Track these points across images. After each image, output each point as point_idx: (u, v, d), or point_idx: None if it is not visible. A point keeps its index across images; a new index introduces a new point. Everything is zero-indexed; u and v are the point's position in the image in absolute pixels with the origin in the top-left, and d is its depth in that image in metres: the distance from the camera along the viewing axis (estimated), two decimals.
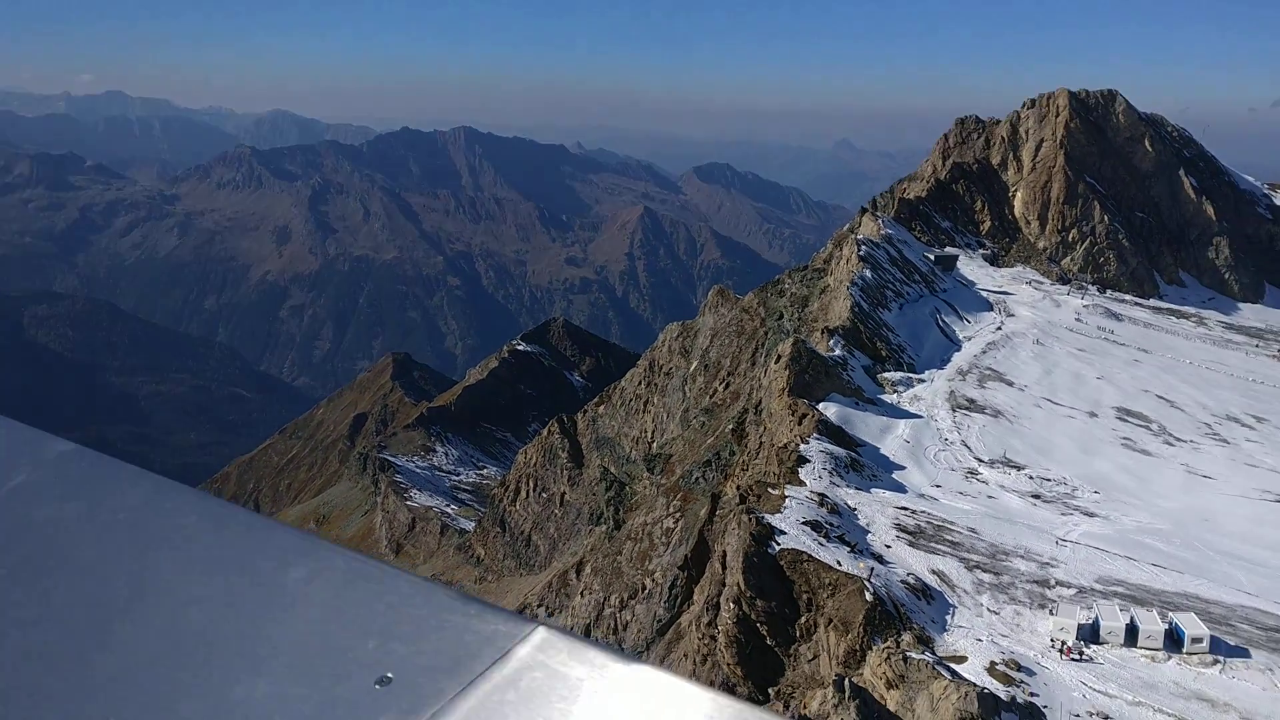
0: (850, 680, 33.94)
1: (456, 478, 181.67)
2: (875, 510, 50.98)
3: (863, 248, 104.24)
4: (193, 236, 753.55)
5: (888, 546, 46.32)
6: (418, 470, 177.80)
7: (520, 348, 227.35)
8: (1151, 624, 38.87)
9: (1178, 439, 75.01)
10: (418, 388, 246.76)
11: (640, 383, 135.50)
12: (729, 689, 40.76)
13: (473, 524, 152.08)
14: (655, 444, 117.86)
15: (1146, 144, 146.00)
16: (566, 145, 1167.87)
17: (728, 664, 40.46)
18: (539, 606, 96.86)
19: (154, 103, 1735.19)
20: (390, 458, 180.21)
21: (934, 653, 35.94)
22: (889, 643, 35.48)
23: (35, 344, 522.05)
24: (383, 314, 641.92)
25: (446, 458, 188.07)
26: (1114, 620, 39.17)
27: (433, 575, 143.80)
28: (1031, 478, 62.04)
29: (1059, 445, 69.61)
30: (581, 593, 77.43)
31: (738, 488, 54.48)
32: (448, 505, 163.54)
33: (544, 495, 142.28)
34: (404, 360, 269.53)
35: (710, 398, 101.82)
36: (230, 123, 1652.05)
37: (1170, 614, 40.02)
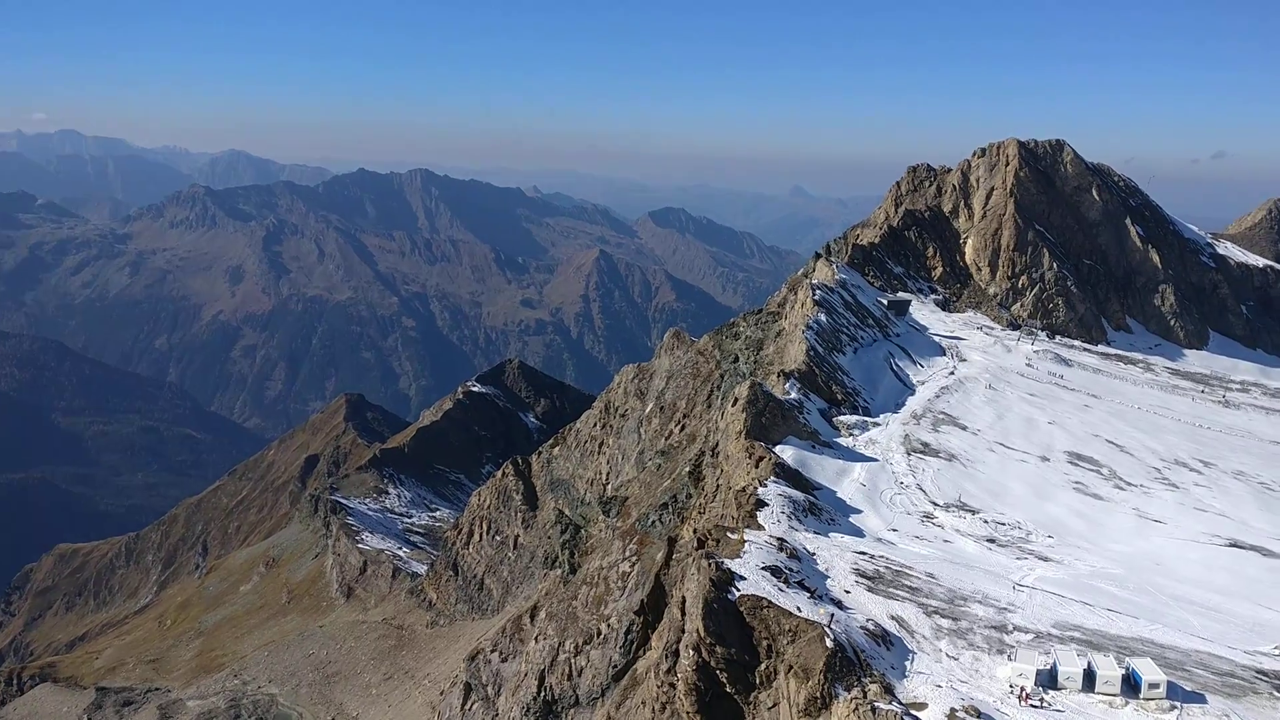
0: None
1: (409, 520, 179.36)
2: (834, 555, 50.84)
3: (817, 292, 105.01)
4: (144, 275, 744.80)
5: (847, 592, 46.13)
6: (370, 512, 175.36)
7: (475, 389, 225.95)
8: (1109, 669, 38.89)
9: (1128, 483, 75.82)
10: (371, 429, 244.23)
11: (595, 424, 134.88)
12: None
13: (425, 567, 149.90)
14: (610, 486, 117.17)
15: (1094, 193, 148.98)
16: (523, 189, 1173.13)
17: (687, 712, 39.91)
18: (492, 651, 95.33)
19: (109, 142, 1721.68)
20: (342, 500, 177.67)
21: (900, 701, 35.66)
22: (855, 693, 35.16)
23: None
24: (336, 355, 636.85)
25: (399, 500, 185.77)
26: (1071, 665, 39.15)
27: (384, 619, 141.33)
28: (986, 522, 62.30)
29: (1012, 489, 70.07)
30: (536, 638, 76.34)
31: (695, 531, 54.10)
32: (400, 548, 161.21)
33: (498, 538, 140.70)
34: (357, 401, 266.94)
35: (666, 440, 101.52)
36: (185, 162, 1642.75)
37: (1127, 659, 40.10)
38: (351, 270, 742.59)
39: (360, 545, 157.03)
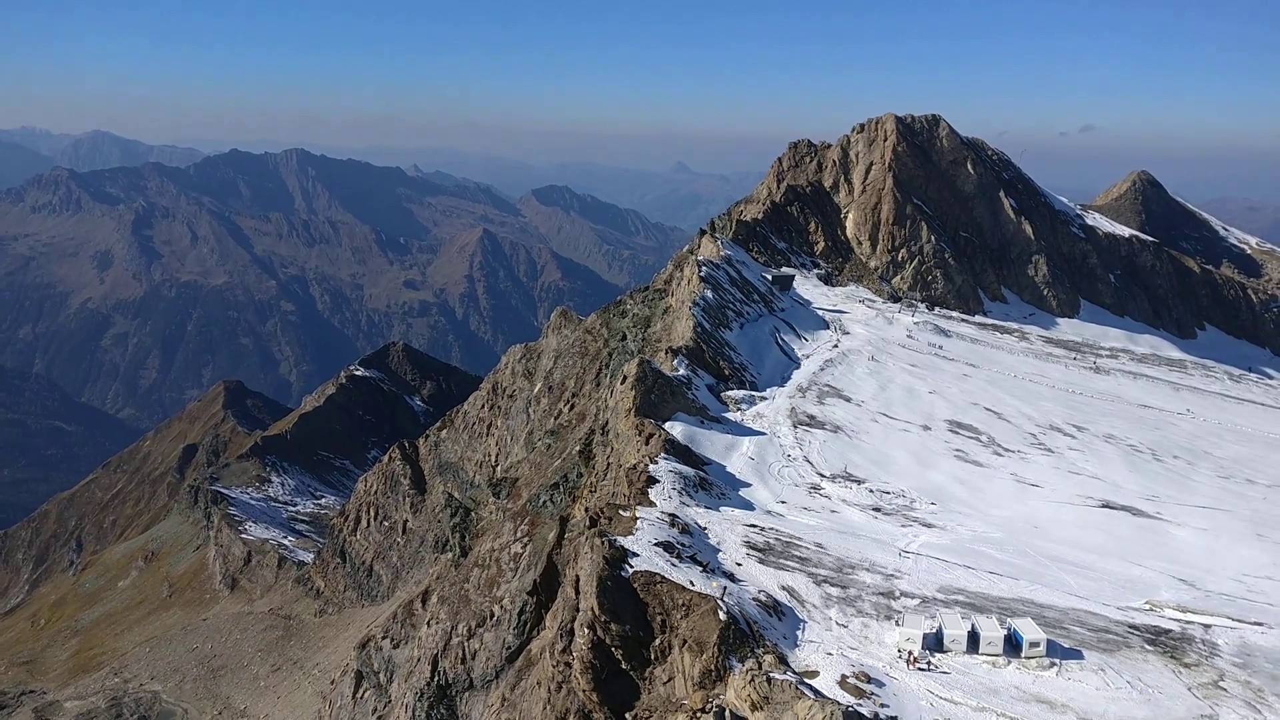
0: (729, 711, 33.71)
1: (294, 508, 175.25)
2: (725, 529, 51.18)
3: (703, 269, 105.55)
4: (5, 262, 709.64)
5: (739, 564, 46.49)
6: (253, 502, 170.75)
7: (358, 373, 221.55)
8: (992, 630, 40.03)
9: (1006, 449, 78.26)
10: (251, 417, 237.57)
11: (483, 406, 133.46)
12: (585, 716, 40.01)
13: (312, 555, 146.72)
14: (500, 468, 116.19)
15: (969, 167, 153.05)
16: (403, 168, 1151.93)
17: (583, 690, 39.73)
18: (384, 638, 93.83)
19: None
20: (223, 490, 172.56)
21: (795, 671, 36.06)
22: (750, 663, 35.41)
23: None
24: (213, 341, 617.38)
25: (283, 488, 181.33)
26: (956, 628, 40.19)
27: (270, 610, 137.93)
28: (872, 491, 63.54)
29: (896, 459, 71.62)
30: (429, 622, 75.36)
31: (587, 510, 53.88)
32: (285, 537, 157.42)
33: (386, 524, 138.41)
34: (236, 388, 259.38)
35: (555, 420, 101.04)
36: (46, 144, 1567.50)
37: (1009, 620, 41.35)
38: (227, 254, 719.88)
39: (244, 535, 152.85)
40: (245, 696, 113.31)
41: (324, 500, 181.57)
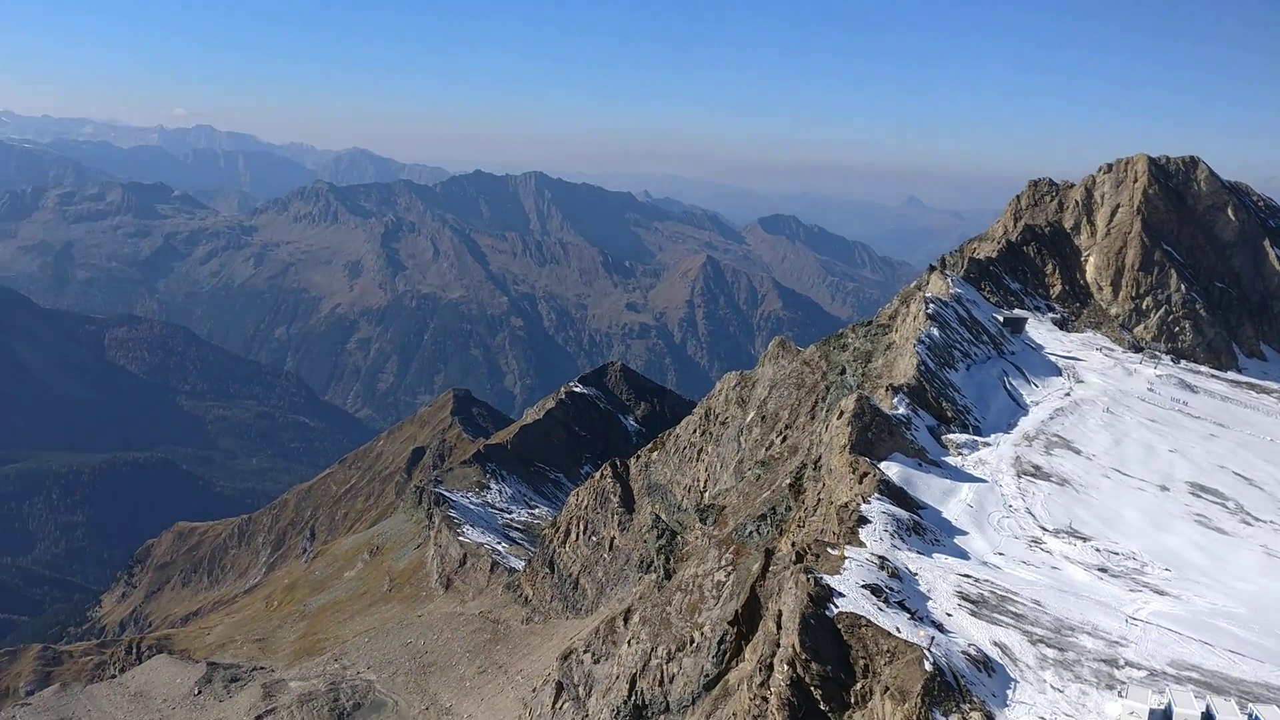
0: None
1: (509, 516, 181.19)
2: (936, 576, 49.34)
3: (931, 305, 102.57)
4: (268, 267, 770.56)
5: (949, 615, 44.69)
6: (471, 506, 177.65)
7: (577, 390, 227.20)
8: (1230, 714, 36.74)
9: (1256, 519, 72.07)
10: (476, 424, 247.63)
11: (695, 431, 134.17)
12: None
13: (522, 563, 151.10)
14: (708, 494, 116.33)
15: (1229, 213, 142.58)
16: (634, 193, 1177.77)
17: None
18: (585, 652, 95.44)
19: (240, 137, 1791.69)
20: (445, 492, 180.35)
21: None
22: (954, 718, 33.94)
23: (114, 365, 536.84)
24: (446, 351, 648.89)
25: (500, 495, 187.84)
26: (1189, 708, 37.09)
27: (480, 613, 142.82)
28: (1098, 550, 59.84)
29: (1128, 518, 67.20)
30: (629, 641, 76.10)
31: (794, 545, 53.13)
32: (499, 543, 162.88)
33: (594, 539, 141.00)
34: (464, 397, 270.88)
35: (766, 450, 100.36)
36: (311, 159, 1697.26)
37: (1250, 705, 37.88)
38: (464, 269, 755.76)
39: (461, 538, 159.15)
40: (452, 695, 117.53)
41: (537, 510, 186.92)
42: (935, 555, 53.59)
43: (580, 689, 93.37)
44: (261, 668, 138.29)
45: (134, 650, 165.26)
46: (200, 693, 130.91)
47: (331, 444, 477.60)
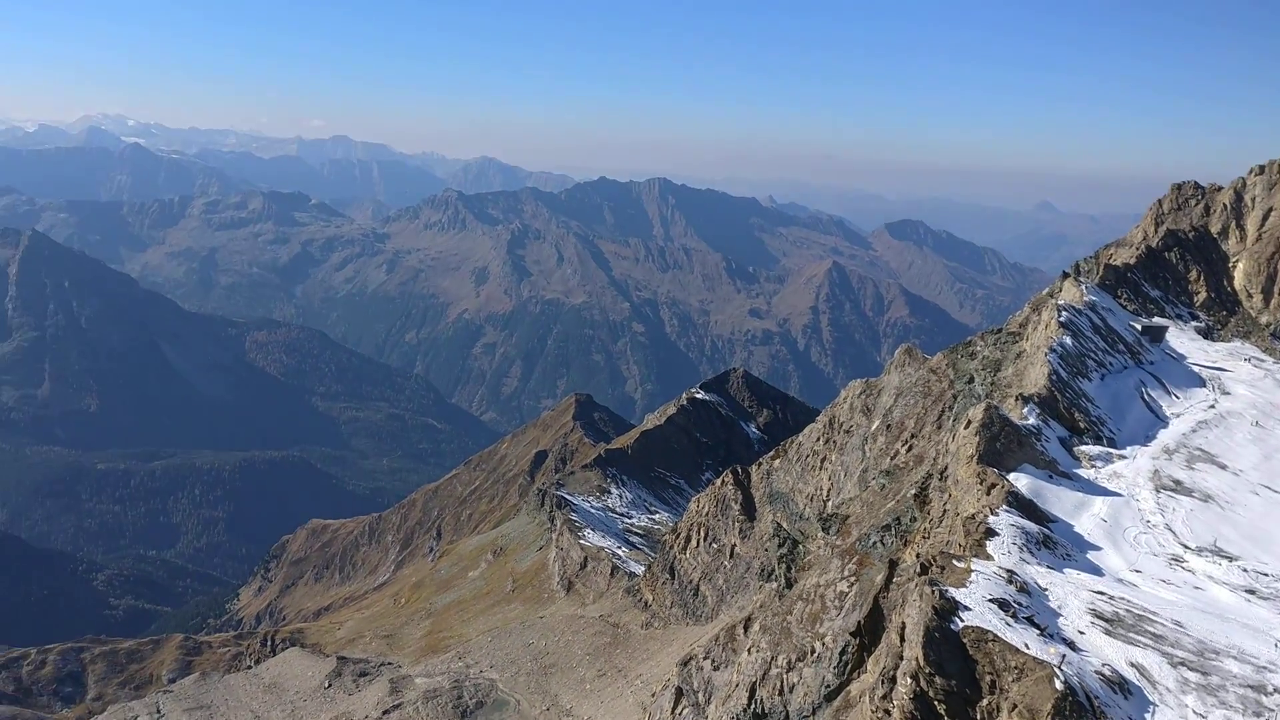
0: None
1: (629, 520, 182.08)
2: (1068, 592, 47.71)
3: (1064, 313, 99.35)
4: (399, 273, 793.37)
5: (1081, 633, 43.16)
6: (592, 510, 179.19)
7: (699, 396, 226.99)
8: None
9: None
10: (597, 429, 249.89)
11: (818, 439, 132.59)
12: None
13: (642, 568, 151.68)
14: (831, 503, 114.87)
15: None
16: (758, 198, 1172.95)
17: None
18: (705, 659, 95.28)
19: (374, 148, 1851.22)
20: (567, 496, 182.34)
21: None
22: None
23: (254, 367, 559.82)
24: (568, 356, 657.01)
25: (620, 500, 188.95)
26: None
27: (601, 616, 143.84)
28: (1246, 571, 57.00)
29: (1278, 537, 63.91)
30: (749, 649, 75.66)
31: (918, 556, 52.06)
32: (619, 547, 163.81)
33: (714, 546, 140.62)
34: (586, 401, 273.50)
35: (891, 459, 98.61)
36: (441, 168, 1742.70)
37: None
38: (588, 275, 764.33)
39: (582, 541, 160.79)
40: (572, 696, 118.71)
41: (658, 516, 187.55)
42: (1066, 570, 51.84)
43: (700, 695, 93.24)
44: (389, 663, 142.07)
45: (269, 643, 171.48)
46: (330, 686, 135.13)
47: (457, 446, 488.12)
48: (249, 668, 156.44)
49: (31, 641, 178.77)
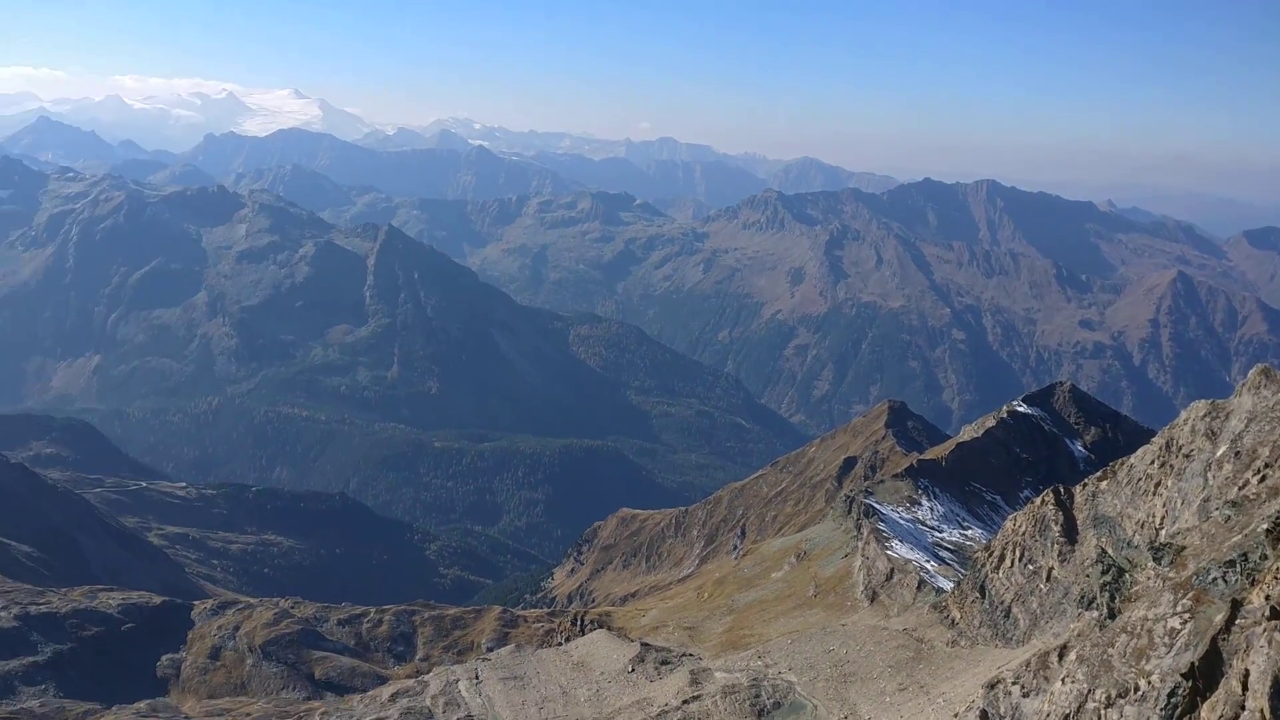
0: None
1: (939, 534, 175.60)
2: None
3: None
4: (715, 272, 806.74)
5: None
6: (900, 521, 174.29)
7: (1020, 409, 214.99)
8: None
9: None
10: (910, 438, 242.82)
11: (1153, 462, 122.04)
12: None
13: (951, 584, 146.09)
14: (1164, 531, 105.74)
15: None
16: (1095, 202, 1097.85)
17: None
18: (1013, 683, 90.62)
19: (698, 149, 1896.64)
20: (875, 504, 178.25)
21: None
22: None
23: (576, 359, 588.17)
24: (883, 361, 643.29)
25: (931, 513, 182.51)
26: None
27: (904, 629, 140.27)
28: None
29: None
30: (1063, 679, 71.17)
31: (1267, 598, 47.05)
32: (927, 561, 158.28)
33: (1030, 567, 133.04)
34: (899, 409, 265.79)
35: (1239, 490, 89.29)
36: (762, 168, 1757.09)
37: None
38: (907, 278, 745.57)
39: (889, 552, 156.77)
40: (871, 708, 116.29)
41: (970, 532, 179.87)
42: None
43: None
44: (690, 654, 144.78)
45: (578, 622, 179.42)
46: (633, 671, 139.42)
47: (764, 446, 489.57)
48: (559, 644, 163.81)
49: (371, 601, 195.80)
